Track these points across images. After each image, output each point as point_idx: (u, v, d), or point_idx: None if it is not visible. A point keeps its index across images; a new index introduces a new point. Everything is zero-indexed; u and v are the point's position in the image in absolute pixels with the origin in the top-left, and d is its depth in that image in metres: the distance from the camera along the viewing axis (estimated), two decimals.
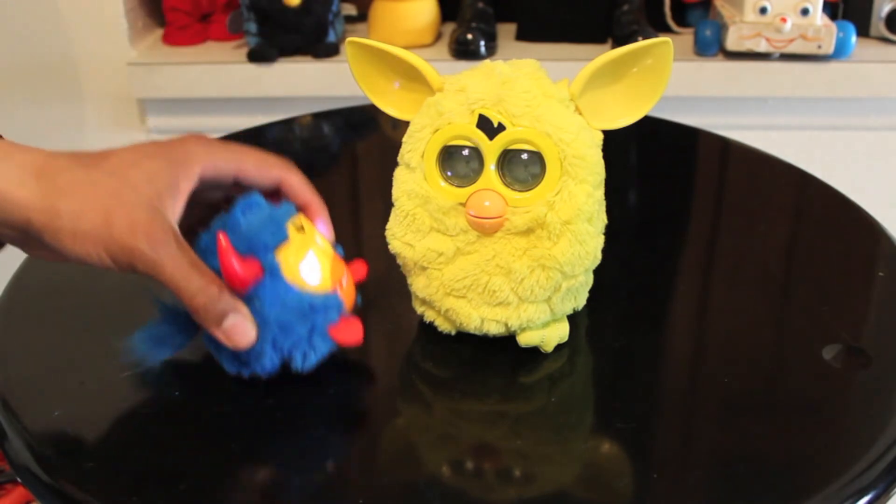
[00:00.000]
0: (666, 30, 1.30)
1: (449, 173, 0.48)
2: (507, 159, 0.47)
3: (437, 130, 0.48)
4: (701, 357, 0.53)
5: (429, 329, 0.52)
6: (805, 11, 1.14)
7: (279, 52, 1.21)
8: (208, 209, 0.49)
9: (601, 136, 0.49)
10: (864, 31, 1.25)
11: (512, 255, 0.48)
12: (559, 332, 0.51)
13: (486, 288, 0.49)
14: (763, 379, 0.50)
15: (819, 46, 1.15)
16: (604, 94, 0.48)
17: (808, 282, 0.59)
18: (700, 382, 0.51)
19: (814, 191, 0.71)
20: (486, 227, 0.48)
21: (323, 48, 1.21)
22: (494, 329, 0.50)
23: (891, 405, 0.46)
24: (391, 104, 0.51)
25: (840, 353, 0.50)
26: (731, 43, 1.16)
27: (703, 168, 0.81)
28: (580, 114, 0.48)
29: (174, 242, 0.43)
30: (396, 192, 0.50)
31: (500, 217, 0.47)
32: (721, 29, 1.19)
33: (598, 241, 0.49)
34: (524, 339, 0.50)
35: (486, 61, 0.49)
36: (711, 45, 1.19)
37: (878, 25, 1.25)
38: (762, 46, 1.16)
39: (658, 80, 0.47)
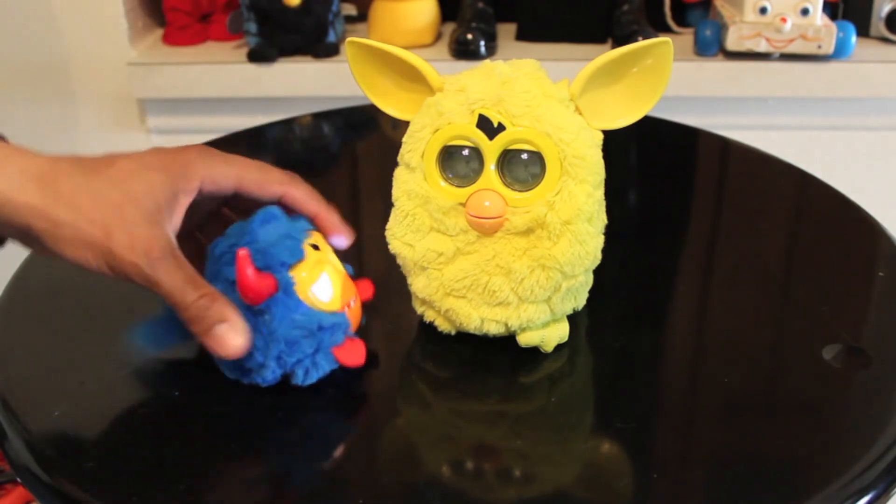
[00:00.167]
0: (666, 30, 1.30)
1: (449, 173, 0.48)
2: (507, 159, 0.47)
3: (437, 130, 0.48)
4: (701, 357, 0.53)
5: (429, 329, 0.52)
6: (805, 11, 1.14)
7: (279, 52, 1.21)
8: (207, 215, 0.49)
9: (601, 136, 0.49)
10: (864, 31, 1.25)
11: (512, 255, 0.48)
12: (559, 332, 0.51)
13: (486, 288, 0.49)
14: (763, 379, 0.50)
15: (819, 46, 1.15)
16: (604, 94, 0.48)
17: (808, 282, 0.59)
18: (700, 382, 0.51)
19: (814, 191, 0.71)
20: (485, 227, 0.48)
21: (323, 48, 1.21)
22: (494, 329, 0.50)
23: (891, 405, 0.46)
24: (391, 104, 0.51)
25: (840, 353, 0.50)
26: (731, 43, 1.16)
27: (703, 168, 0.81)
28: (580, 114, 0.48)
29: (171, 258, 0.43)
30: (396, 192, 0.50)
31: (499, 217, 0.47)
32: (721, 29, 1.19)
33: (598, 241, 0.49)
34: (524, 339, 0.50)
35: (486, 61, 0.49)
36: (711, 45, 1.19)
37: (878, 25, 1.25)
38: (762, 46, 1.16)
39: (658, 80, 0.47)
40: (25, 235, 0.44)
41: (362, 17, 1.31)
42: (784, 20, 1.13)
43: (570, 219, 0.47)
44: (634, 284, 0.59)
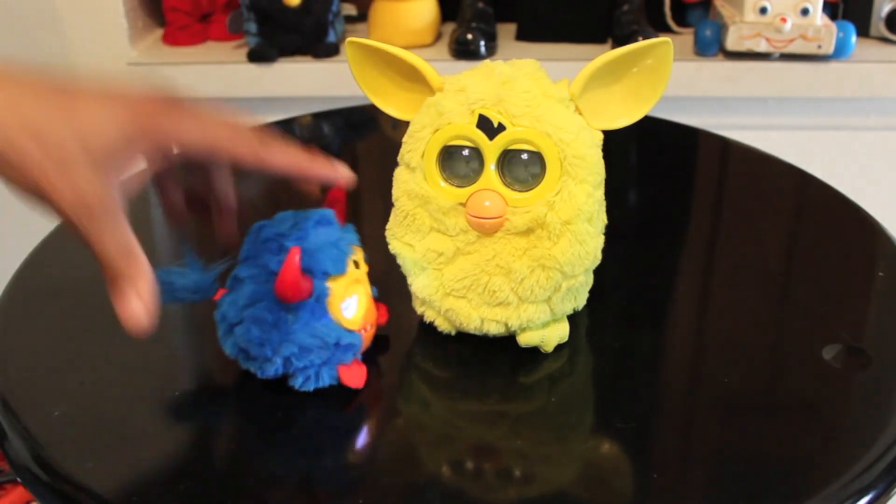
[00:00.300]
0: (666, 30, 1.30)
1: (449, 173, 0.48)
2: (507, 159, 0.47)
3: (437, 130, 0.48)
4: (701, 357, 0.53)
5: (429, 329, 0.52)
6: (805, 11, 1.14)
7: (279, 52, 1.21)
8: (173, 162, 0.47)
9: (601, 136, 0.49)
10: (864, 31, 1.25)
11: (512, 255, 0.48)
12: (559, 332, 0.51)
13: (486, 288, 0.49)
14: (763, 379, 0.50)
15: (819, 46, 1.15)
16: (604, 94, 0.48)
17: (808, 282, 0.59)
18: (700, 382, 0.51)
19: (814, 191, 0.71)
20: (486, 228, 0.48)
21: (323, 48, 1.21)
22: (494, 329, 0.50)
23: (891, 405, 0.46)
24: (391, 104, 0.51)
25: (840, 353, 0.50)
26: (731, 43, 1.16)
27: (703, 168, 0.81)
28: (580, 114, 0.48)
29: (110, 217, 0.40)
30: (396, 192, 0.50)
31: (500, 217, 0.47)
32: (721, 29, 1.19)
33: (598, 241, 0.49)
34: (524, 339, 0.50)
35: (486, 61, 0.49)
36: (711, 45, 1.19)
37: (878, 25, 1.25)
38: (762, 46, 1.16)
39: (658, 80, 0.47)
40: None
41: (362, 17, 1.31)
42: (784, 20, 1.13)
43: (570, 219, 0.47)
44: (634, 284, 0.59)
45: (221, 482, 0.44)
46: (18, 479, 0.47)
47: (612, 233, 0.50)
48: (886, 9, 1.24)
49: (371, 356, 0.50)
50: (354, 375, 0.47)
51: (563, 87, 0.48)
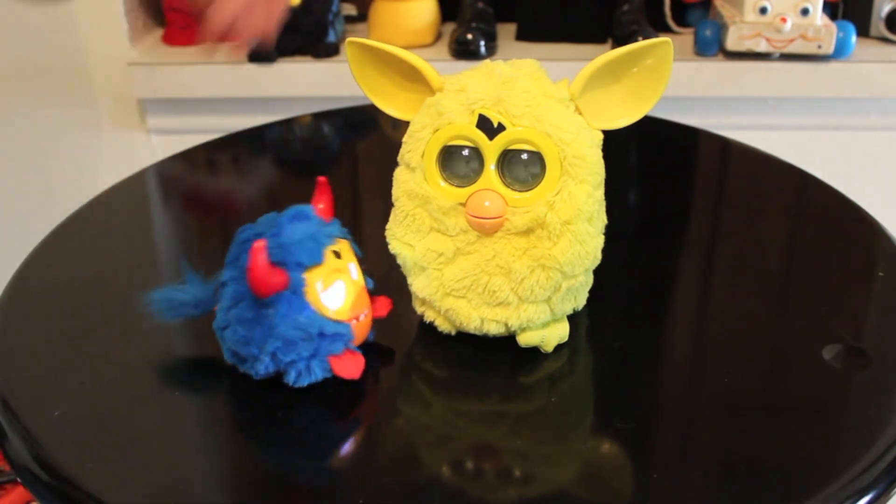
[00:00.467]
0: (666, 30, 1.30)
1: (449, 173, 0.48)
2: (507, 159, 0.47)
3: (437, 130, 0.48)
4: (701, 357, 0.53)
5: (429, 329, 0.52)
6: (805, 11, 1.14)
7: (279, 52, 1.21)
8: None
9: (601, 136, 0.49)
10: (864, 31, 1.25)
11: (512, 255, 0.48)
12: (559, 332, 0.51)
13: (486, 288, 0.49)
14: (763, 379, 0.50)
15: (819, 46, 1.15)
16: (604, 94, 0.48)
17: (808, 282, 0.59)
18: (700, 382, 0.51)
19: (814, 191, 0.71)
20: (486, 228, 0.48)
21: (323, 48, 1.21)
22: (494, 329, 0.50)
23: (891, 405, 0.46)
24: (391, 104, 0.51)
25: (840, 353, 0.50)
26: (731, 43, 1.16)
27: (703, 168, 0.81)
28: (580, 114, 0.48)
29: None
30: (396, 192, 0.50)
31: (499, 217, 0.47)
32: (721, 29, 1.19)
33: (598, 241, 0.49)
34: (524, 339, 0.50)
35: (486, 61, 0.49)
36: (711, 45, 1.19)
37: (878, 25, 1.25)
38: (762, 46, 1.16)
39: (658, 80, 0.47)
40: None
41: (362, 17, 1.31)
42: (784, 20, 1.13)
43: (570, 219, 0.47)
44: (634, 284, 0.59)
45: (221, 482, 0.44)
46: (18, 479, 0.47)
47: (612, 233, 0.50)
48: (886, 9, 1.24)
49: (371, 356, 0.50)
50: (348, 366, 0.47)
51: (563, 87, 0.48)
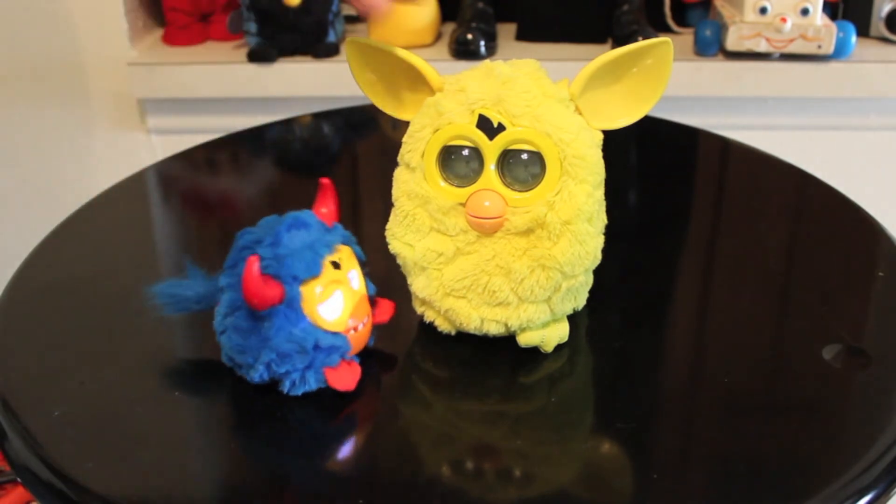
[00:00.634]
0: (666, 30, 1.30)
1: (449, 173, 0.48)
2: (507, 159, 0.47)
3: (437, 130, 0.48)
4: (701, 357, 0.53)
5: (429, 329, 0.52)
6: (805, 11, 1.14)
7: (279, 52, 1.21)
8: None
9: (601, 136, 0.49)
10: (864, 31, 1.25)
11: (512, 256, 0.48)
12: (559, 332, 0.51)
13: (485, 288, 0.49)
14: (763, 379, 0.50)
15: (819, 46, 1.15)
16: (604, 94, 0.48)
17: (808, 282, 0.59)
18: (700, 382, 0.51)
19: (814, 191, 0.71)
20: (485, 228, 0.48)
21: (323, 48, 1.21)
22: (494, 329, 0.50)
23: (891, 405, 0.46)
24: (391, 104, 0.51)
25: (840, 353, 0.50)
26: (731, 43, 1.16)
27: (703, 168, 0.81)
28: (580, 114, 0.48)
29: None
30: (396, 192, 0.50)
31: (499, 217, 0.47)
32: (721, 29, 1.19)
33: (598, 241, 0.49)
34: (524, 339, 0.50)
35: (486, 61, 0.49)
36: (711, 45, 1.19)
37: (878, 25, 1.25)
38: (762, 46, 1.16)
39: (658, 80, 0.47)
40: None
41: (362, 17, 1.31)
42: (784, 20, 1.13)
43: (570, 219, 0.47)
44: (634, 284, 0.59)
45: (221, 482, 0.44)
46: (18, 479, 0.47)
47: (612, 233, 0.50)
48: (886, 9, 1.24)
49: (371, 356, 0.50)
50: (343, 377, 0.47)
51: (563, 87, 0.48)
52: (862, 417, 0.46)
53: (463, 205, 0.48)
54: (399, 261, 0.51)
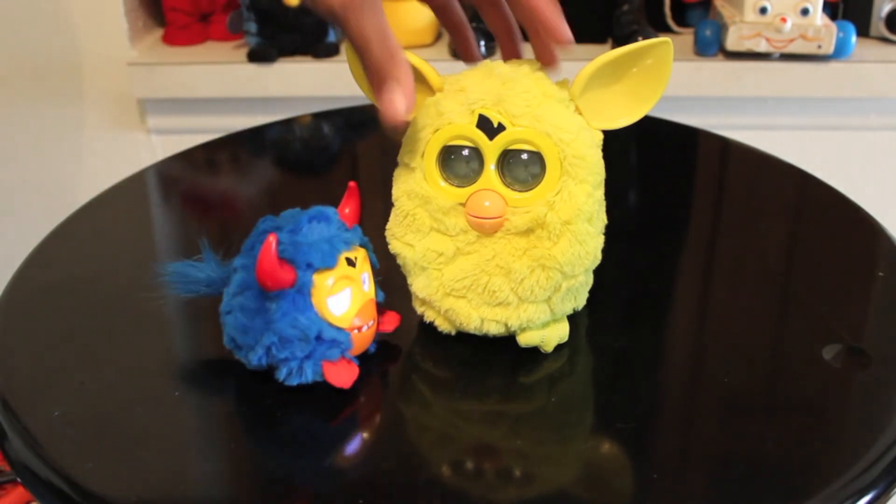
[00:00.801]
0: (666, 30, 1.30)
1: (449, 173, 0.48)
2: (507, 159, 0.47)
3: (437, 130, 0.48)
4: (701, 357, 0.53)
5: (429, 329, 0.52)
6: (805, 11, 1.14)
7: (279, 52, 1.21)
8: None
9: (601, 136, 0.49)
10: (864, 31, 1.25)
11: (512, 256, 0.48)
12: (559, 332, 0.51)
13: (485, 288, 0.49)
14: (763, 379, 0.50)
15: (819, 46, 1.15)
16: (604, 94, 0.48)
17: (808, 282, 0.59)
18: (700, 382, 0.51)
19: (814, 191, 0.71)
20: (485, 228, 0.48)
21: (323, 48, 1.21)
22: (494, 329, 0.50)
23: (891, 405, 0.46)
24: None
25: (840, 353, 0.50)
26: (731, 43, 1.16)
27: (703, 168, 0.81)
28: (580, 114, 0.48)
29: (368, 5, 0.43)
30: (396, 192, 0.50)
31: (499, 217, 0.47)
32: (721, 29, 1.19)
33: (598, 241, 0.49)
34: (524, 339, 0.50)
35: (486, 61, 0.49)
36: (711, 45, 1.19)
37: (878, 25, 1.25)
38: (762, 46, 1.16)
39: (658, 80, 0.47)
40: None
41: None
42: (784, 20, 1.13)
43: (570, 219, 0.47)
44: (634, 284, 0.59)
45: (221, 482, 0.44)
46: (18, 479, 0.47)
47: (612, 233, 0.50)
48: (886, 9, 1.24)
49: (371, 355, 0.50)
50: (340, 374, 0.47)
51: (563, 87, 0.48)
52: (862, 417, 0.46)
53: (463, 205, 0.48)
54: (399, 261, 0.51)
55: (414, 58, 0.49)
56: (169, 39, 1.29)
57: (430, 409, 0.49)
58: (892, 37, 1.24)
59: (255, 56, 1.20)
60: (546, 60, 0.49)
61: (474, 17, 1.23)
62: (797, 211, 0.71)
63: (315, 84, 1.21)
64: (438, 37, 1.28)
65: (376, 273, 0.50)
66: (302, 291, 0.45)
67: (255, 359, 0.46)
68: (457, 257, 0.49)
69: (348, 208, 0.49)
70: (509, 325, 0.49)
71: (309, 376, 0.46)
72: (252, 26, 1.21)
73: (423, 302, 0.52)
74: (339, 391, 0.47)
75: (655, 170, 0.79)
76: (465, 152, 0.48)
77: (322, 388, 0.47)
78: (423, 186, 0.49)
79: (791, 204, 0.72)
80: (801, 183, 0.73)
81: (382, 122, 0.45)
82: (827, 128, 1.25)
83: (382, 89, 0.45)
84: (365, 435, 0.46)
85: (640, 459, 0.44)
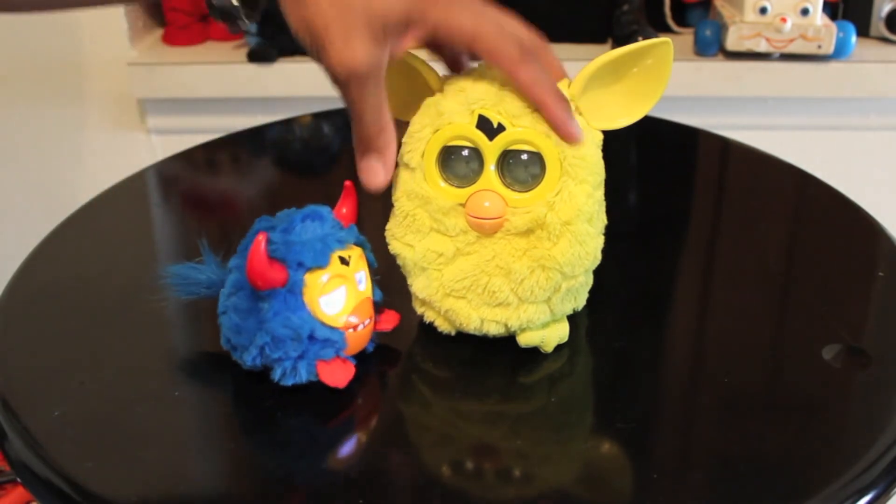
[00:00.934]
0: (666, 30, 1.30)
1: (449, 174, 0.48)
2: (507, 160, 0.47)
3: (436, 131, 0.48)
4: (701, 357, 0.53)
5: (429, 329, 0.52)
6: (805, 11, 1.14)
7: (279, 52, 1.21)
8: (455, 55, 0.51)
9: (601, 136, 0.49)
10: (864, 31, 1.25)
11: (512, 256, 0.48)
12: (559, 333, 0.51)
13: (485, 288, 0.49)
14: (763, 379, 0.50)
15: (819, 46, 1.15)
16: (604, 94, 0.48)
17: (808, 282, 0.59)
18: (700, 382, 0.51)
19: (814, 191, 0.71)
20: (485, 228, 0.48)
21: None
22: (494, 329, 0.50)
23: (891, 405, 0.46)
24: (391, 104, 0.51)
25: (840, 353, 0.50)
26: (731, 43, 1.16)
27: (703, 168, 0.81)
28: (580, 114, 0.48)
29: (371, 81, 0.45)
30: (396, 192, 0.50)
31: (499, 217, 0.47)
32: (721, 29, 1.19)
33: (598, 242, 0.49)
34: (524, 340, 0.50)
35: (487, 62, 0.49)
36: (711, 45, 1.19)
37: (878, 25, 1.25)
38: (762, 46, 1.16)
39: (658, 80, 0.47)
40: None
41: None
42: (784, 20, 1.13)
43: (570, 219, 0.47)
44: (634, 284, 0.59)
45: (221, 482, 0.44)
46: (18, 479, 0.47)
47: (612, 233, 0.50)
48: (886, 9, 1.24)
49: (371, 355, 0.50)
50: (335, 373, 0.46)
51: (563, 88, 0.48)
52: (862, 417, 0.46)
53: (463, 205, 0.48)
54: (399, 261, 0.51)
55: (414, 58, 0.49)
56: (169, 39, 1.29)
57: (430, 409, 0.49)
58: (892, 37, 1.24)
59: (255, 56, 1.20)
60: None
61: None
62: (797, 211, 0.71)
63: (315, 84, 1.21)
64: None
65: (374, 272, 0.50)
66: (293, 291, 0.45)
67: (249, 359, 0.46)
68: (457, 258, 0.49)
69: (345, 208, 0.49)
70: (509, 325, 0.49)
71: (303, 376, 0.46)
72: (252, 26, 1.21)
73: (423, 302, 0.52)
74: (340, 391, 0.47)
75: (655, 170, 0.79)
76: (465, 153, 0.48)
77: (322, 389, 0.47)
78: (423, 187, 0.49)
79: (791, 204, 0.72)
80: (801, 183, 0.73)
81: (362, 184, 0.48)
82: (827, 128, 1.25)
83: (365, 157, 0.47)
84: (365, 435, 0.46)
85: (640, 459, 0.44)
